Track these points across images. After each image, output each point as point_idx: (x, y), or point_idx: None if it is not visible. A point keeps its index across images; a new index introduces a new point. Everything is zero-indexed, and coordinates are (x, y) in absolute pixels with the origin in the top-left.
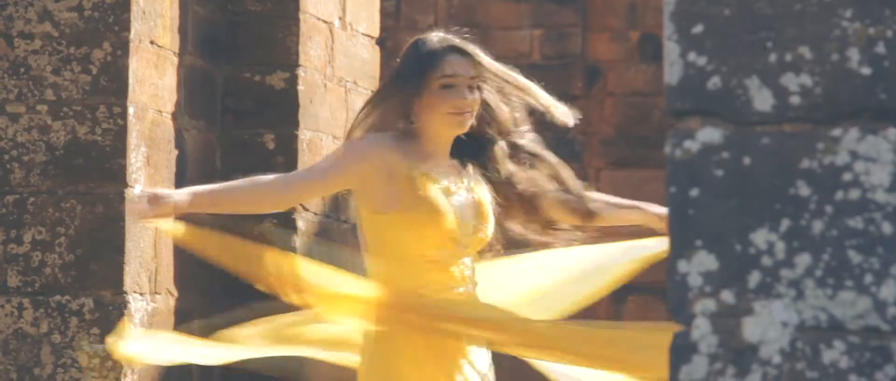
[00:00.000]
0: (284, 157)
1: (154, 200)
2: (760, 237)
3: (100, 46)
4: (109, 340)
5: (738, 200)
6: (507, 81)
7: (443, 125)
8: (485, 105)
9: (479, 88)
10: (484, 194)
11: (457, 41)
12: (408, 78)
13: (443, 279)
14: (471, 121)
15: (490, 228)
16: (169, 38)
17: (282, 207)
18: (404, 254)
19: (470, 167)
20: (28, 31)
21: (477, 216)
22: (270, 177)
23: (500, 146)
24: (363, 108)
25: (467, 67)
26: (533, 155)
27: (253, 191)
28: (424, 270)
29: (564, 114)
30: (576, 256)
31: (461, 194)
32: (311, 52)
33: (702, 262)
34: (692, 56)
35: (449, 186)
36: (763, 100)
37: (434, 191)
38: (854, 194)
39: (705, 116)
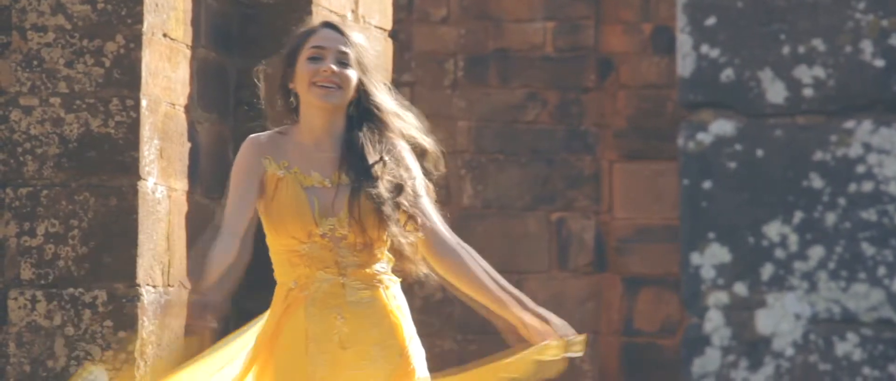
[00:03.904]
0: None
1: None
2: (773, 230)
3: (113, 39)
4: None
5: (750, 192)
6: (372, 79)
7: (310, 98)
8: (365, 93)
9: (350, 67)
10: (364, 187)
11: (334, 19)
12: (285, 56)
13: (310, 272)
14: (339, 97)
15: (364, 221)
16: (182, 31)
17: (245, 238)
18: (277, 249)
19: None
20: (41, 23)
21: (344, 209)
22: (227, 231)
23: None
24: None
25: (338, 41)
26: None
27: (233, 252)
28: (293, 264)
29: (427, 143)
30: None
31: (327, 188)
32: None
33: (715, 254)
34: (705, 48)
35: (317, 179)
36: (776, 92)
37: (289, 188)
38: (867, 186)
39: (718, 108)
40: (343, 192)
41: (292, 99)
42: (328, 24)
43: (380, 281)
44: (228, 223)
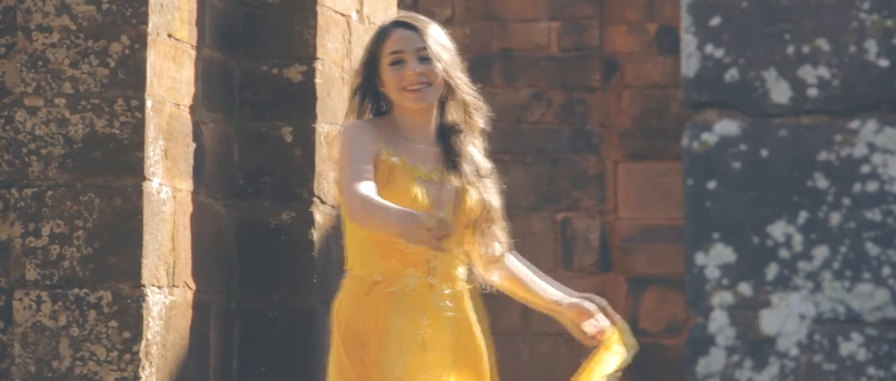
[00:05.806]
0: (302, 150)
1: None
2: (778, 230)
3: (117, 39)
4: None
5: (755, 192)
6: (451, 65)
7: (404, 103)
8: (449, 85)
9: (432, 60)
10: (472, 191)
11: (403, 15)
12: (365, 64)
13: (400, 268)
14: (432, 94)
15: (466, 221)
16: (186, 31)
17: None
18: (366, 238)
19: (462, 160)
20: (46, 24)
21: (449, 208)
22: (370, 193)
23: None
24: (351, 97)
25: (413, 39)
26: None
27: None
28: (384, 256)
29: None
30: None
31: (433, 182)
32: (329, 45)
33: (719, 254)
34: (709, 48)
35: (424, 172)
36: (780, 92)
37: (402, 177)
38: (872, 186)
39: (723, 108)
40: (446, 189)
41: (383, 103)
42: (400, 23)
43: (462, 286)
44: (364, 184)
